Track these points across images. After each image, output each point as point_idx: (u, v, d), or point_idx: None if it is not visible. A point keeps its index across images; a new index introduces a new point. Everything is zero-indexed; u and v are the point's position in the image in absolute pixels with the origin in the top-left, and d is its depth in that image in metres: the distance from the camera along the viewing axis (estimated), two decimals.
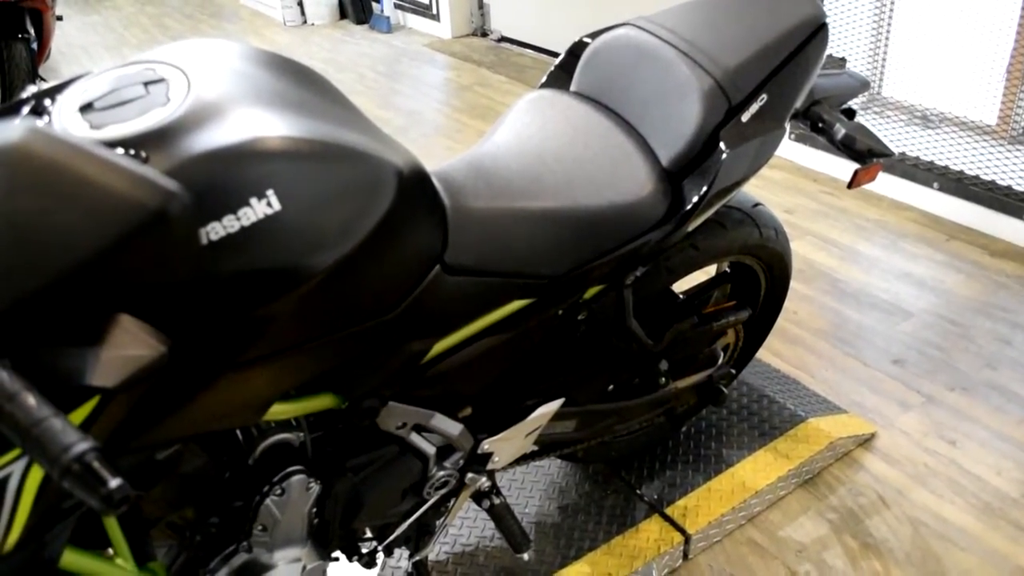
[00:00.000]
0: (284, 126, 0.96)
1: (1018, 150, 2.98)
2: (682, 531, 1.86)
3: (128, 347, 0.84)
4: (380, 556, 1.48)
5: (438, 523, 1.53)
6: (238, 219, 0.91)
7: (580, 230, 1.32)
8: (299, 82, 1.08)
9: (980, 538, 1.88)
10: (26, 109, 0.95)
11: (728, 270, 1.92)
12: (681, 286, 1.85)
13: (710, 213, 1.50)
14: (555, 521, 1.90)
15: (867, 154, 1.60)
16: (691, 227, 1.47)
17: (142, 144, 0.89)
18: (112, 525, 1.07)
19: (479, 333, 1.31)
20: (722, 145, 1.41)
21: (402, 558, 1.79)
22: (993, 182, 3.00)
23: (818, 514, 1.95)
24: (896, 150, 3.27)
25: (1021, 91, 2.98)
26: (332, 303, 1.02)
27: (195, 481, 1.13)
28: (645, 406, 1.73)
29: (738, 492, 1.95)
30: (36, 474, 0.81)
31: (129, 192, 0.81)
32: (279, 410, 1.13)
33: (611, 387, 1.65)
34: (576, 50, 1.62)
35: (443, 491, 1.45)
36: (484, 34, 5.68)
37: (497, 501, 1.58)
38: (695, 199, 1.41)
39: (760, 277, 1.88)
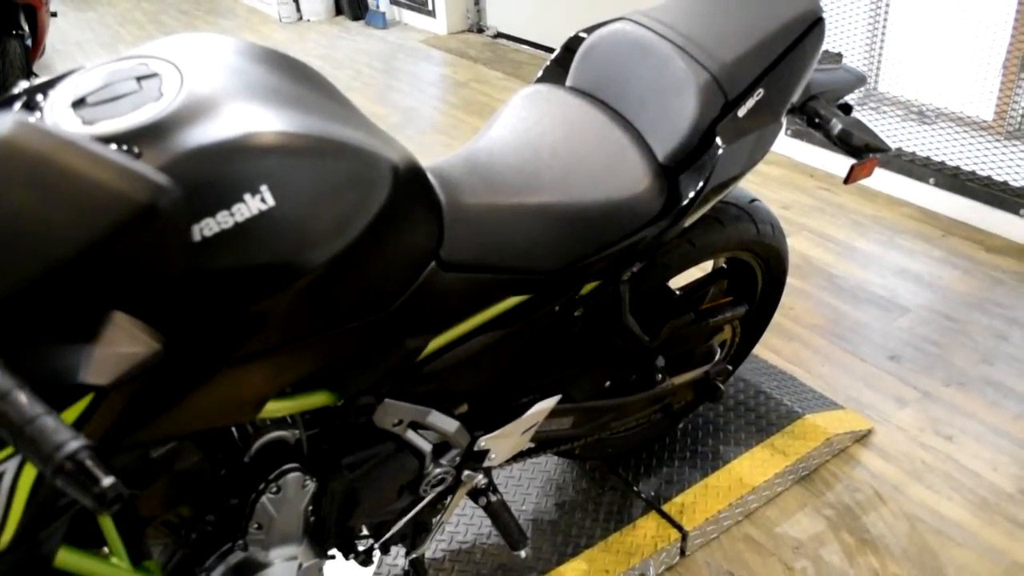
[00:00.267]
0: (278, 121, 0.96)
1: (1014, 145, 2.98)
2: (679, 528, 1.86)
3: (122, 344, 0.83)
4: (376, 554, 1.48)
5: (435, 520, 1.53)
6: (232, 215, 0.90)
7: (576, 226, 1.32)
8: (293, 77, 1.07)
9: (977, 533, 1.88)
10: (18, 104, 0.95)
11: (724, 266, 1.91)
12: (677, 282, 1.84)
13: (707, 209, 1.50)
14: (552, 518, 1.90)
15: (864, 149, 1.60)
16: (688, 223, 1.47)
17: (135, 139, 0.88)
18: (107, 524, 1.06)
19: (475, 329, 1.31)
20: (718, 140, 1.40)
21: (399, 556, 1.79)
22: (989, 178, 3.00)
23: (815, 510, 1.95)
24: (892, 146, 3.26)
25: (1017, 86, 2.98)
26: (327, 300, 1.02)
27: (190, 479, 1.13)
28: (642, 403, 1.73)
29: (735, 488, 1.95)
30: (29, 473, 0.81)
31: (118, 186, 0.80)
32: (274, 407, 1.13)
33: (608, 384, 1.65)
34: (572, 45, 1.61)
35: (439, 488, 1.45)
36: (480, 30, 5.67)
37: (494, 498, 1.58)
38: (691, 194, 1.41)
39: (757, 273, 1.88)
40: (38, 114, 0.92)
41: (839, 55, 3.42)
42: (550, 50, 5.11)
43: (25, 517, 0.82)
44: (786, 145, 3.64)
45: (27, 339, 0.78)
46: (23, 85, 0.98)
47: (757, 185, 3.43)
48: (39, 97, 0.95)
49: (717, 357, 1.86)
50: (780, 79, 1.47)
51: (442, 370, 1.30)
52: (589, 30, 1.59)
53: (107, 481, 0.68)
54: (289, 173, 0.94)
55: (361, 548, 1.46)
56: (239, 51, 1.05)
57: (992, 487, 2.00)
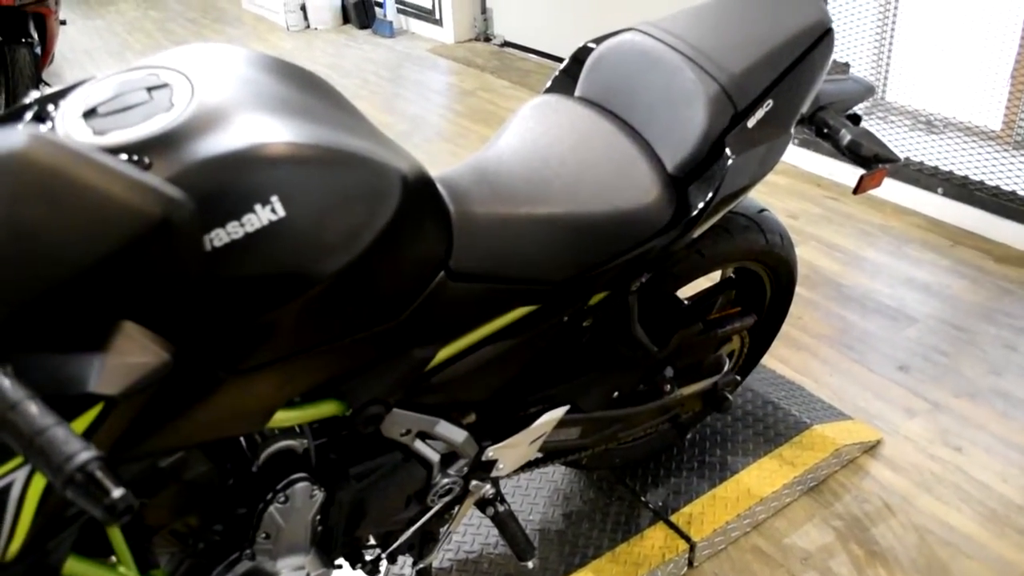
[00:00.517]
0: (288, 132, 0.96)
1: (1022, 155, 2.97)
2: (687, 539, 1.85)
3: (132, 354, 0.83)
4: (384, 564, 1.47)
5: (442, 530, 1.53)
6: (242, 225, 0.90)
7: (585, 236, 1.31)
8: (303, 87, 1.07)
9: (986, 545, 1.87)
10: (29, 114, 0.95)
11: (733, 276, 1.91)
12: (685, 292, 1.84)
13: (716, 219, 1.50)
14: (559, 528, 1.90)
15: (873, 160, 1.59)
16: (697, 233, 1.46)
17: (145, 150, 0.88)
18: (115, 533, 1.06)
19: (484, 339, 1.31)
20: (728, 151, 1.40)
21: (406, 565, 1.78)
22: (997, 187, 3.00)
23: (823, 521, 1.94)
24: (900, 155, 3.26)
25: None
26: (336, 309, 1.02)
27: (198, 488, 1.13)
28: (650, 413, 1.72)
29: (743, 499, 1.94)
30: (39, 482, 0.81)
31: (133, 200, 0.81)
32: (283, 417, 1.13)
33: (616, 394, 1.64)
34: (581, 55, 1.61)
35: (447, 498, 1.45)
36: (487, 39, 5.68)
37: (501, 508, 1.57)
38: (701, 205, 1.41)
39: (765, 283, 1.87)
40: (49, 124, 0.93)
41: (847, 64, 3.42)
42: (557, 59, 5.12)
43: (34, 527, 0.82)
44: (794, 154, 3.64)
45: (37, 349, 0.78)
46: (35, 95, 0.98)
47: (765, 195, 3.43)
48: (50, 107, 0.95)
49: (726, 368, 1.86)
50: (790, 90, 1.47)
51: (450, 380, 1.29)
52: (598, 40, 1.59)
53: (117, 493, 0.67)
54: (299, 184, 0.94)
55: (368, 558, 1.46)
56: (249, 61, 1.05)
57: (1002, 499, 1.99)
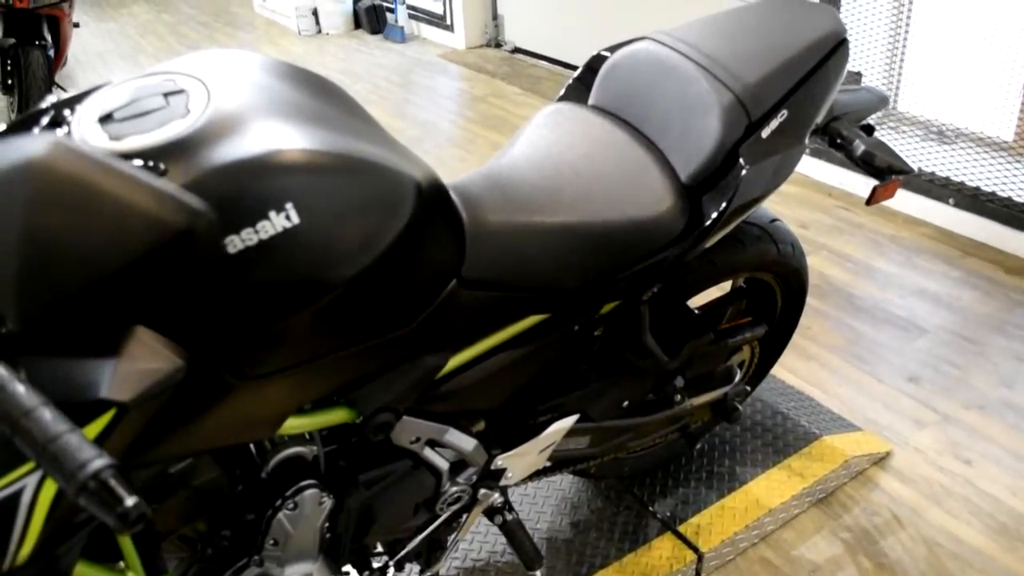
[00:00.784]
0: (303, 139, 0.96)
1: None
2: (695, 549, 1.85)
3: (145, 360, 0.83)
4: (391, 571, 1.47)
5: (450, 539, 1.52)
6: (256, 232, 0.90)
7: (598, 245, 1.31)
8: (318, 94, 1.07)
9: (995, 559, 1.86)
10: (46, 119, 0.95)
11: (744, 285, 1.90)
12: (696, 301, 1.83)
13: (729, 229, 1.49)
14: (567, 537, 1.89)
15: (886, 171, 1.59)
16: (709, 243, 1.46)
17: (161, 156, 0.88)
18: (124, 538, 1.06)
19: (495, 348, 1.30)
20: (742, 161, 1.39)
21: (413, 573, 1.78)
22: (1009, 199, 2.98)
23: (832, 533, 1.93)
24: (912, 165, 3.25)
25: None
26: (349, 316, 1.02)
27: (207, 494, 1.13)
28: (660, 423, 1.72)
29: (751, 510, 1.93)
30: (49, 488, 0.81)
31: (156, 210, 0.81)
32: (293, 424, 1.12)
33: (626, 403, 1.64)
34: (594, 64, 1.61)
35: (456, 507, 1.44)
36: (498, 45, 5.69)
37: (509, 517, 1.57)
38: (714, 215, 1.40)
39: (776, 293, 1.87)
40: (65, 129, 0.93)
41: (859, 74, 3.41)
42: (567, 66, 5.12)
43: (44, 532, 0.82)
44: (804, 164, 3.63)
45: (50, 354, 0.78)
46: (50, 99, 0.98)
47: (776, 204, 3.42)
48: (66, 112, 0.95)
49: (736, 378, 1.85)
50: (804, 100, 1.46)
51: (461, 388, 1.29)
52: (612, 49, 1.59)
53: (131, 501, 0.67)
54: (314, 191, 0.94)
55: (376, 565, 1.45)
56: (265, 68, 1.06)
57: (1011, 512, 1.97)
